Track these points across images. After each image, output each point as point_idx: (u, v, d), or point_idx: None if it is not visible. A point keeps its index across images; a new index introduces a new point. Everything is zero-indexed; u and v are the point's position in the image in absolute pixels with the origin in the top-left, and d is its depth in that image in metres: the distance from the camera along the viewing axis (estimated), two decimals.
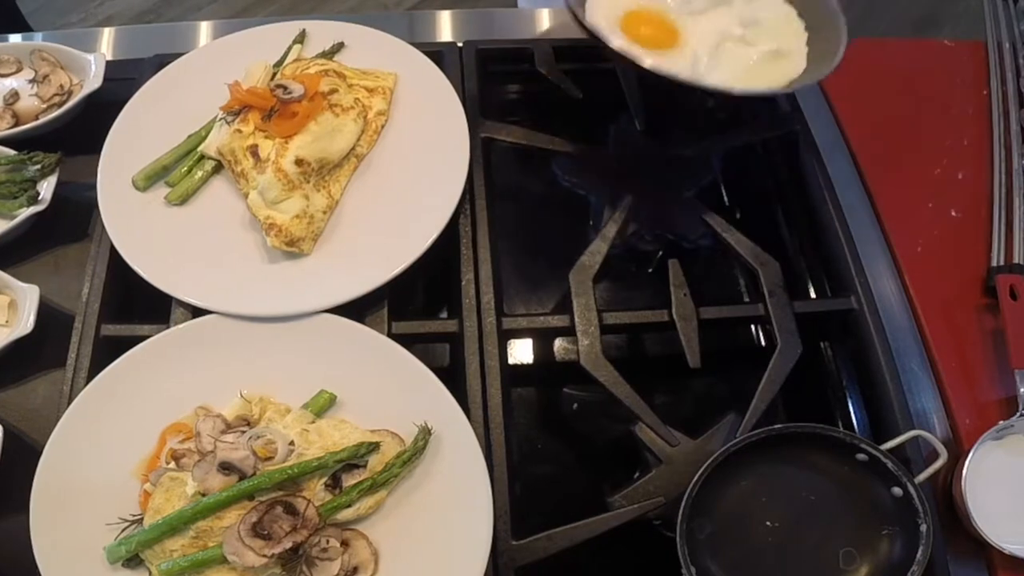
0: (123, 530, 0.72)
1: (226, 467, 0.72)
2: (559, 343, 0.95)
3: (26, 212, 0.89)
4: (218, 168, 0.90)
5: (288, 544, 0.68)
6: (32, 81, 1.01)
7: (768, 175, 1.05)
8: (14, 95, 1.00)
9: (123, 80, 0.98)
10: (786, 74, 0.89)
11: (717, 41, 0.90)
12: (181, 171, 0.89)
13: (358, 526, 0.74)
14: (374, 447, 0.74)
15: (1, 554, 0.75)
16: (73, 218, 0.94)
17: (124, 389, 0.78)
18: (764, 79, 0.88)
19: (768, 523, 0.75)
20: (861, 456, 0.75)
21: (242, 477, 0.72)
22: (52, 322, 0.85)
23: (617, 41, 0.85)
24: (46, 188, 0.91)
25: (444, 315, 0.94)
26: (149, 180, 0.88)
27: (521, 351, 0.95)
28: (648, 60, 0.81)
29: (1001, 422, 0.79)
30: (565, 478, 0.89)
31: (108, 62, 1.00)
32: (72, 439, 0.75)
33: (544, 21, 1.14)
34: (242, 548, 0.68)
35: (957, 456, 0.80)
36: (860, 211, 0.97)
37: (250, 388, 0.79)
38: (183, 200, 0.88)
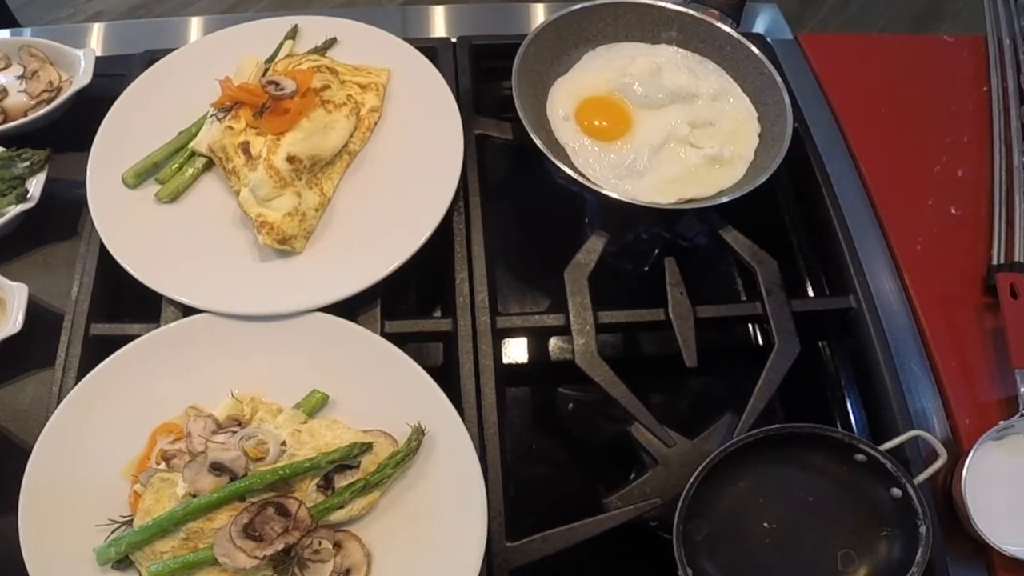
0: (113, 531, 0.71)
1: (217, 468, 0.71)
2: (554, 342, 0.94)
3: (15, 210, 0.88)
4: (209, 165, 0.89)
5: (280, 546, 0.68)
6: (21, 77, 1.00)
7: None
8: (2, 91, 0.99)
9: (113, 76, 0.97)
10: (719, 183, 0.90)
11: (662, 140, 0.91)
12: (171, 168, 0.88)
13: (351, 527, 0.73)
14: (367, 447, 0.73)
15: None
16: (62, 216, 0.93)
17: (114, 389, 0.77)
18: (697, 185, 0.89)
19: (766, 524, 0.75)
20: (860, 456, 0.74)
21: (233, 478, 0.71)
22: (41, 321, 0.84)
23: (566, 131, 0.91)
24: (35, 185, 0.91)
25: (438, 314, 0.94)
26: (139, 177, 0.88)
27: (516, 350, 0.94)
28: (572, 173, 0.85)
29: (1001, 422, 0.79)
30: (560, 479, 0.89)
31: (97, 58, 0.99)
32: (61, 439, 0.74)
33: (538, 15, 1.14)
34: (233, 550, 0.67)
35: (957, 456, 0.79)
36: (859, 209, 0.97)
37: (241, 388, 0.78)
38: (174, 198, 0.87)
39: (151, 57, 0.98)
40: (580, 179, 0.85)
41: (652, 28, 1.00)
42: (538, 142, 0.85)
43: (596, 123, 0.93)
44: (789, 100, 0.92)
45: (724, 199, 0.86)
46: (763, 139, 0.94)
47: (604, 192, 0.84)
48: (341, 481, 0.73)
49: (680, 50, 1.00)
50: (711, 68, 0.99)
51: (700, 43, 1.00)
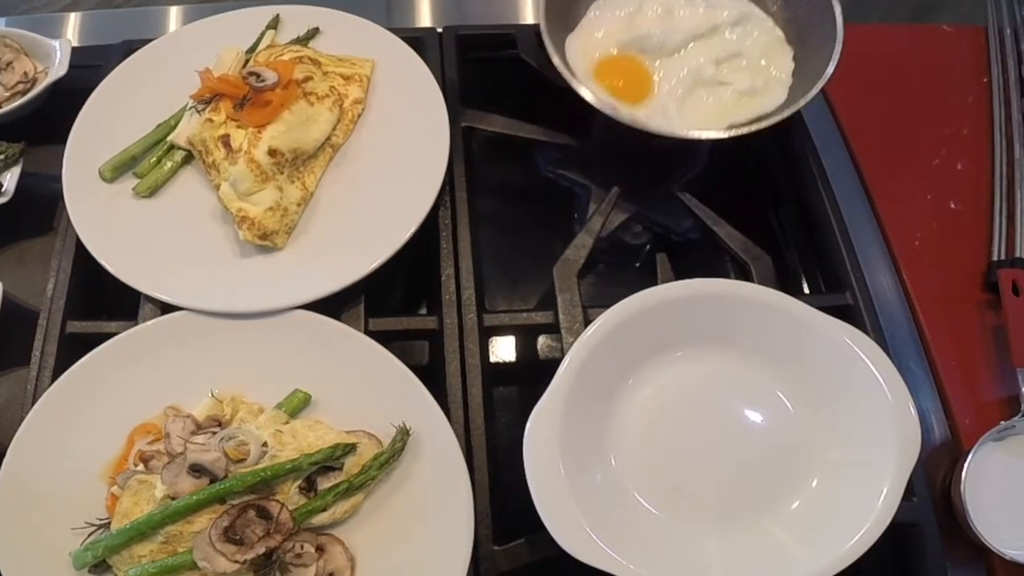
0: (90, 535, 0.70)
1: (196, 469, 0.70)
2: (543, 340, 0.93)
3: None
4: (188, 159, 0.88)
5: (261, 549, 0.67)
6: None
7: (760, 166, 1.03)
8: None
9: (90, 67, 0.96)
10: (761, 109, 0.87)
11: (689, 86, 0.88)
12: (150, 162, 0.87)
13: (334, 531, 0.72)
14: (350, 449, 0.72)
15: None
16: (38, 210, 0.92)
17: (91, 388, 0.76)
18: (736, 115, 0.87)
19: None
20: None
21: (213, 480, 0.70)
22: (16, 319, 0.83)
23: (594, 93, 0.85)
24: (9, 179, 0.89)
25: (423, 311, 0.93)
26: (117, 171, 0.87)
27: (503, 349, 0.93)
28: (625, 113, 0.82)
29: (1002, 422, 0.78)
30: None
31: (74, 48, 0.98)
32: (37, 440, 0.73)
33: (527, 5, 1.12)
34: (213, 553, 0.66)
35: (956, 458, 0.78)
36: (856, 203, 0.96)
37: (221, 387, 0.77)
38: (152, 192, 0.86)
39: (129, 48, 0.96)
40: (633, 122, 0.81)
41: None
42: (582, 91, 0.81)
43: (616, 82, 0.89)
44: None
45: (777, 117, 0.82)
46: (799, 59, 0.90)
47: (654, 129, 0.81)
48: (324, 483, 0.72)
49: None
50: None
51: None
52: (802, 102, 0.82)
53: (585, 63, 0.90)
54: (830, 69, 0.83)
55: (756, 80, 0.87)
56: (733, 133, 0.83)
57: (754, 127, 0.82)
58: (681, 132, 0.81)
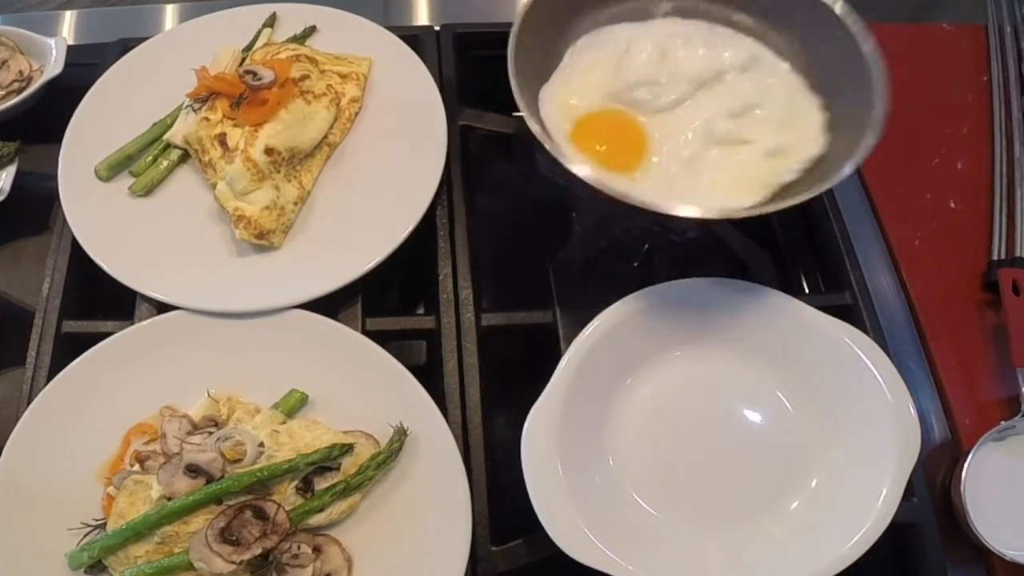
0: (85, 535, 0.70)
1: (193, 470, 0.70)
2: (541, 340, 0.91)
3: None
4: (184, 157, 0.88)
5: (257, 550, 0.66)
6: None
7: None
8: None
9: (85, 66, 0.96)
10: (791, 172, 0.74)
11: (700, 146, 0.73)
12: (146, 161, 0.87)
13: (331, 531, 0.72)
14: (347, 449, 0.72)
15: None
16: (33, 210, 0.91)
17: (86, 388, 0.76)
18: (762, 184, 0.73)
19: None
20: None
21: (209, 480, 0.70)
22: (11, 318, 0.83)
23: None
24: (5, 178, 0.89)
25: (421, 311, 0.93)
26: (113, 170, 0.86)
27: (501, 348, 0.91)
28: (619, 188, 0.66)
29: (1002, 422, 0.77)
30: None
31: (70, 47, 0.97)
32: (32, 440, 0.73)
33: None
34: (209, 554, 0.66)
35: (956, 458, 0.77)
36: (855, 202, 0.95)
37: (218, 387, 0.77)
38: (148, 191, 0.86)
39: (125, 46, 0.96)
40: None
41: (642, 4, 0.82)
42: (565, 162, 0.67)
43: (600, 149, 0.74)
44: (861, 26, 0.71)
45: (820, 188, 0.67)
46: (832, 108, 0.76)
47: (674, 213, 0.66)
48: (321, 483, 0.72)
49: (683, 21, 0.81)
50: (726, 33, 0.80)
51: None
52: (849, 166, 0.69)
53: (562, 122, 0.74)
54: (877, 117, 0.70)
55: (782, 136, 0.73)
56: (762, 211, 0.67)
57: (791, 202, 0.67)
58: (697, 212, 0.65)
